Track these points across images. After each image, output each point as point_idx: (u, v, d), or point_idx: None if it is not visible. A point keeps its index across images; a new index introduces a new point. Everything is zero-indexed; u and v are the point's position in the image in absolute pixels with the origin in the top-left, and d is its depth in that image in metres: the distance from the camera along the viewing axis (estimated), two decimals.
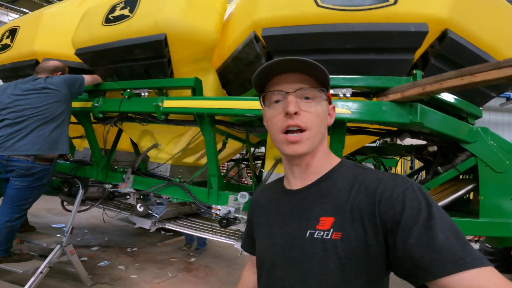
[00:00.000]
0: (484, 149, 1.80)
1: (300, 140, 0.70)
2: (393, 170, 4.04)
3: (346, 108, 1.63)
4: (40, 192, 2.25)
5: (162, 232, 5.14)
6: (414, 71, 1.62)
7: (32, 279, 2.15)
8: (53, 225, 4.43)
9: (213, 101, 2.05)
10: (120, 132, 3.10)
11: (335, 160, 0.78)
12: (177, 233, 5.00)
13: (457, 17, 1.51)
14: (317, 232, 0.67)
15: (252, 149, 3.63)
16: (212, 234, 2.50)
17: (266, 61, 1.93)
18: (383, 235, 0.61)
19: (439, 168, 2.02)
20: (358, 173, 0.71)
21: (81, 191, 2.62)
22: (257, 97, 1.88)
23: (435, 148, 2.10)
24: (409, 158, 3.50)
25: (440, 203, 1.97)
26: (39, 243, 2.43)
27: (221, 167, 4.24)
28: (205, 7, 2.18)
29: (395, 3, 1.51)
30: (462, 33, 1.56)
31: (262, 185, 0.96)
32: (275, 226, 0.77)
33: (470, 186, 1.99)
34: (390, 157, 3.33)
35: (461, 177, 2.22)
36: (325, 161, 0.76)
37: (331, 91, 1.75)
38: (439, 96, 1.75)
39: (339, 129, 1.77)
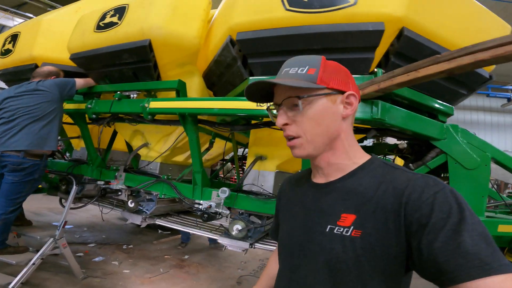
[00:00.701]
0: (454, 146, 1.83)
1: (295, 145, 0.73)
2: None
3: None
4: (32, 187, 2.40)
5: (159, 231, 5.28)
6: (376, 70, 1.70)
7: (24, 270, 2.30)
8: (54, 223, 4.59)
9: (194, 101, 2.18)
10: (115, 132, 3.26)
11: (364, 157, 0.76)
12: (174, 232, 5.14)
13: (413, 15, 1.58)
14: (337, 228, 0.67)
15: (242, 149, 3.74)
16: (197, 229, 2.60)
17: (242, 63, 2.06)
18: (405, 237, 0.60)
19: (410, 165, 2.09)
20: (387, 172, 0.70)
21: (74, 187, 2.77)
22: (237, 98, 2.02)
23: (404, 145, 2.16)
24: (394, 156, 3.52)
25: None
26: (33, 236, 2.57)
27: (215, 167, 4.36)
28: (188, 14, 2.33)
29: (355, 3, 1.60)
30: (418, 30, 1.63)
31: (291, 175, 0.99)
32: (297, 217, 0.79)
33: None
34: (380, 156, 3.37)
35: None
36: (348, 157, 0.75)
37: None
38: (404, 94, 1.81)
39: None
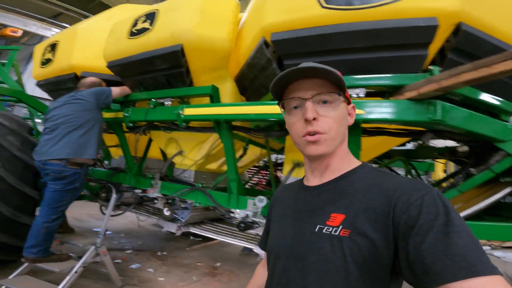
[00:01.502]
0: None
1: (319, 140, 0.73)
2: (432, 176, 3.78)
3: (359, 108, 1.61)
4: (74, 195, 2.48)
5: (191, 237, 5.32)
6: (431, 67, 1.54)
7: (67, 278, 2.35)
8: (94, 229, 4.80)
9: (229, 107, 2.13)
10: (150, 140, 3.30)
11: (356, 163, 0.79)
12: (205, 239, 5.15)
13: (470, 9, 1.43)
14: (326, 227, 0.68)
15: (275, 155, 3.64)
16: (232, 238, 2.54)
17: (277, 65, 1.97)
18: (393, 238, 0.61)
19: (472, 169, 1.88)
20: (377, 176, 0.72)
21: (114, 196, 2.83)
22: (272, 102, 1.94)
23: (465, 148, 1.95)
24: (444, 161, 3.25)
25: (475, 208, 1.82)
26: (76, 244, 2.65)
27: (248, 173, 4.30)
28: (217, 17, 2.29)
29: None
30: (477, 25, 1.47)
31: (283, 183, 0.96)
32: (288, 220, 0.80)
33: (509, 189, 1.82)
34: (421, 160, 3.13)
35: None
36: (344, 162, 0.78)
37: None
38: (464, 92, 1.63)
39: (354, 130, 1.73)
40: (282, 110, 0.83)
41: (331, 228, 0.67)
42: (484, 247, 3.00)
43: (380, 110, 1.59)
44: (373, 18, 1.55)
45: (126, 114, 2.67)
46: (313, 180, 0.81)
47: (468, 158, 2.20)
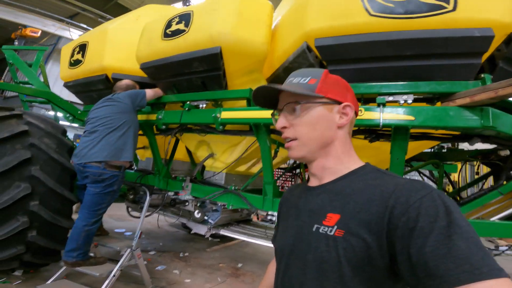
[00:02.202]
0: None
1: (290, 146, 0.80)
2: (453, 177, 3.80)
3: (409, 114, 1.65)
4: (112, 198, 2.54)
5: (210, 238, 5.37)
6: (482, 75, 1.58)
7: (106, 282, 2.40)
8: (116, 230, 4.87)
9: (269, 111, 2.16)
10: (177, 143, 3.35)
11: (358, 163, 0.80)
12: (224, 240, 5.20)
13: None
14: (322, 227, 0.70)
15: None
16: (261, 239, 2.59)
17: None
18: (387, 240, 0.61)
19: None
20: (377, 177, 0.73)
21: (148, 198, 2.88)
22: None
23: (507, 152, 1.99)
24: (477, 163, 3.28)
25: None
26: (112, 247, 2.71)
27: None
28: (254, 20, 2.32)
29: (454, 9, 1.53)
30: None
31: (292, 185, 1.05)
32: (291, 219, 0.84)
33: None
34: (450, 162, 3.17)
35: None
36: (341, 163, 0.79)
37: (390, 98, 1.77)
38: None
39: (401, 135, 1.78)
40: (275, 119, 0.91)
41: (326, 228, 0.69)
42: (502, 248, 3.02)
43: (432, 116, 1.63)
44: (425, 27, 1.59)
45: (160, 117, 2.72)
46: (314, 181, 0.84)
47: (504, 161, 2.25)
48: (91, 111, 2.61)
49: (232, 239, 5.53)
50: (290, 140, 0.80)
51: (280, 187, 4.26)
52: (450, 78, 1.66)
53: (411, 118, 1.66)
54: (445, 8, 1.54)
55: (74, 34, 11.45)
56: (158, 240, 4.94)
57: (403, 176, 0.79)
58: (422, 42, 1.62)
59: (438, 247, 0.53)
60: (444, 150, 3.22)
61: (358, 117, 1.82)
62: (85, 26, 11.53)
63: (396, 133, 1.79)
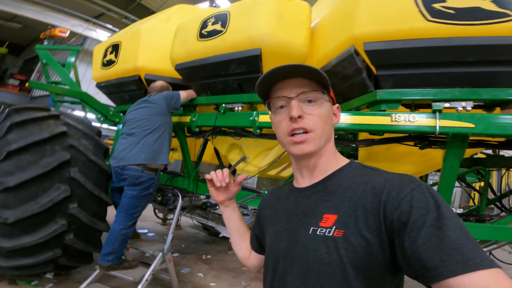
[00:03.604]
0: None
1: (306, 140, 0.75)
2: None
3: (469, 121, 1.61)
4: (148, 201, 2.55)
5: (230, 241, 5.38)
6: None
7: (139, 286, 2.41)
8: (138, 231, 4.92)
9: None
10: (205, 145, 3.34)
11: (343, 161, 0.81)
12: None
13: None
14: (319, 229, 0.69)
15: None
16: None
17: (367, 75, 1.96)
18: (387, 235, 0.62)
19: None
20: (365, 173, 0.73)
21: (180, 201, 2.88)
22: (367, 112, 1.94)
23: None
24: None
25: None
26: (145, 250, 2.72)
27: None
28: (294, 21, 2.28)
29: None
30: None
31: (273, 187, 1.01)
32: (281, 223, 0.82)
33: None
34: (492, 169, 3.08)
35: None
36: (331, 161, 0.80)
37: (447, 104, 1.71)
38: None
39: (458, 142, 1.74)
40: (268, 110, 0.85)
41: (324, 229, 0.68)
42: None
43: (493, 124, 1.60)
44: (488, 34, 1.56)
45: (194, 119, 2.71)
46: (302, 182, 0.82)
47: None
48: (128, 112, 2.63)
49: None
50: (303, 133, 0.75)
51: None
52: (508, 85, 1.61)
53: (471, 125, 1.62)
54: (510, 16, 1.51)
55: (100, 35, 11.73)
56: (181, 241, 4.97)
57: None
58: (485, 48, 1.59)
59: (430, 238, 0.55)
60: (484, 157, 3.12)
61: (410, 124, 1.79)
62: (110, 26, 11.77)
63: (453, 141, 1.75)
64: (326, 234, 0.68)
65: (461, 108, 1.67)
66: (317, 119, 0.75)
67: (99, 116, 3.44)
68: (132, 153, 2.41)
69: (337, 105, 0.85)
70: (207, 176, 1.01)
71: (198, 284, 3.42)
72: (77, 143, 2.54)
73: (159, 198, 3.34)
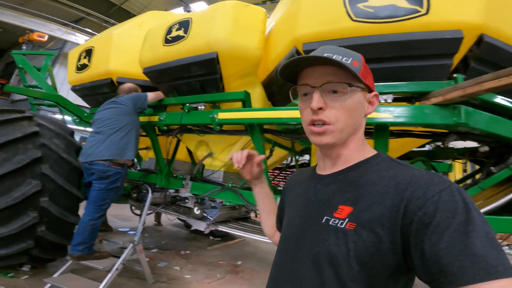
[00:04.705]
0: None
1: (324, 131, 0.72)
2: (451, 176, 3.90)
3: (388, 112, 1.80)
4: (115, 194, 2.72)
5: (211, 237, 5.57)
6: (455, 75, 1.73)
7: (109, 275, 2.55)
8: (120, 229, 5.05)
9: (263, 111, 2.34)
10: (178, 143, 3.53)
11: (370, 152, 0.77)
12: (224, 239, 5.37)
13: (491, 21, 1.62)
14: (332, 219, 0.68)
15: (294, 157, 3.84)
16: (260, 236, 2.74)
17: None
18: (402, 234, 0.59)
19: (492, 168, 2.05)
20: (391, 167, 0.70)
21: (150, 195, 3.06)
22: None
23: (486, 148, 2.12)
24: (462, 161, 3.40)
25: (495, 204, 1.98)
26: (116, 241, 2.88)
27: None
28: (249, 26, 2.50)
29: (427, 12, 1.66)
30: (498, 36, 1.66)
31: (298, 169, 1.03)
32: (297, 208, 0.81)
33: None
34: (441, 161, 3.30)
35: None
36: (357, 152, 0.76)
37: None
38: (484, 97, 1.80)
39: (382, 132, 1.92)
40: (291, 96, 0.82)
41: (337, 220, 0.67)
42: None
43: (409, 114, 1.78)
44: (402, 31, 1.73)
45: (161, 118, 2.90)
46: (324, 169, 0.80)
47: (488, 157, 2.37)
48: (97, 113, 2.81)
49: (233, 238, 5.69)
50: (322, 124, 0.72)
51: (277, 187, 4.41)
52: (427, 79, 1.81)
53: (390, 116, 1.80)
54: (419, 12, 1.68)
55: (80, 39, 11.82)
56: (161, 238, 5.11)
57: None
58: (400, 44, 1.76)
59: (454, 243, 0.52)
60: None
61: None
62: (90, 30, 11.86)
63: (377, 131, 1.94)
64: (338, 225, 0.66)
65: (383, 101, 1.88)
66: (339, 112, 0.71)
67: (75, 117, 3.59)
68: (99, 149, 2.59)
69: (374, 93, 0.78)
70: (229, 157, 1.04)
71: (174, 276, 3.57)
72: (49, 142, 2.71)
73: (135, 195, 3.51)
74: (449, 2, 1.66)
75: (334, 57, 0.70)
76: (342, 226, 0.66)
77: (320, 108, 0.71)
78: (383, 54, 1.85)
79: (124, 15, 11.86)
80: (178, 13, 6.54)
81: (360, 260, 0.62)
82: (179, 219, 4.14)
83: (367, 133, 2.13)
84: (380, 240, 0.61)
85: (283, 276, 0.76)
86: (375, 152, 0.78)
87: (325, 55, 0.71)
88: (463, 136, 1.94)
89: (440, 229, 0.54)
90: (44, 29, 11.18)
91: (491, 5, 1.62)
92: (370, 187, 0.67)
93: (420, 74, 1.83)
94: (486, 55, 1.70)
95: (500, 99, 1.86)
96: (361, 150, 0.77)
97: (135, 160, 2.98)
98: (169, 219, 3.51)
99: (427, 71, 1.79)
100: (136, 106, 2.82)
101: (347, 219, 0.66)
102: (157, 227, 5.88)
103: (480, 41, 1.67)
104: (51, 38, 11.72)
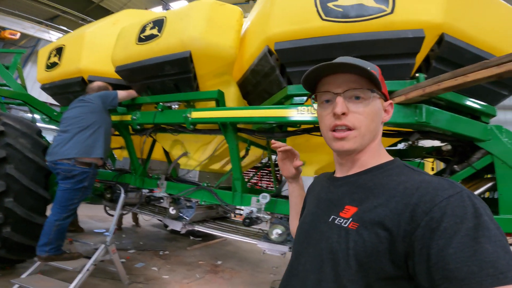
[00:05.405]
0: (499, 147, 1.85)
1: (347, 137, 0.74)
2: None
3: None
4: (83, 194, 2.63)
5: (191, 237, 5.51)
6: (417, 74, 1.76)
7: (80, 276, 2.47)
8: (95, 230, 4.91)
9: (235, 110, 2.32)
10: (154, 142, 3.46)
11: (386, 158, 0.79)
12: (205, 239, 5.33)
13: (452, 21, 1.65)
14: (338, 218, 0.71)
15: (274, 156, 3.84)
16: (236, 235, 2.72)
17: (280, 72, 2.17)
18: (405, 238, 0.59)
19: (455, 166, 2.11)
20: (404, 173, 0.71)
21: (123, 195, 2.98)
22: (274, 106, 2.14)
23: (449, 147, 2.19)
24: (431, 160, 3.49)
25: None
26: (87, 242, 2.79)
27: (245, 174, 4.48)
28: (223, 25, 2.48)
29: (392, 12, 1.69)
30: (459, 35, 1.69)
31: (322, 173, 1.05)
32: (310, 207, 0.86)
33: (490, 184, 2.05)
34: (411, 159, 3.39)
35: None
36: (374, 157, 0.78)
37: None
38: (447, 97, 1.86)
39: None
40: (314, 102, 0.84)
41: (342, 220, 0.69)
42: None
43: None
44: (369, 30, 1.75)
45: (134, 117, 2.83)
46: (340, 173, 0.84)
47: (453, 156, 2.45)
48: (65, 112, 2.72)
49: (214, 237, 5.65)
50: (346, 130, 0.74)
51: (255, 186, 4.41)
52: (391, 78, 1.83)
53: None
54: (385, 11, 1.70)
55: (54, 37, 11.45)
56: (139, 239, 5.02)
57: None
58: (366, 44, 1.77)
59: (463, 249, 0.52)
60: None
61: (311, 115, 2.00)
62: (65, 28, 11.51)
63: None
64: (342, 224, 0.68)
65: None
66: (362, 117, 0.74)
67: (44, 116, 3.47)
68: (65, 148, 2.50)
69: (390, 101, 0.82)
70: (273, 142, 1.09)
71: (151, 276, 3.51)
72: (14, 142, 2.61)
73: (108, 195, 3.41)
74: (412, 2, 1.68)
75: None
76: (346, 225, 0.68)
77: (344, 113, 0.73)
78: (350, 53, 1.84)
79: (102, 13, 11.53)
80: (157, 12, 6.45)
81: (358, 260, 0.63)
82: (159, 219, 4.07)
83: None
84: (380, 241, 0.61)
85: (293, 270, 0.78)
86: (391, 158, 0.79)
87: (343, 61, 0.74)
88: (426, 135, 1.99)
89: (448, 234, 0.54)
90: (16, 27, 10.77)
91: (452, 4, 1.65)
92: (378, 190, 0.69)
93: (385, 74, 1.84)
94: (447, 54, 1.73)
95: (466, 99, 1.92)
96: (376, 155, 0.79)
97: (109, 159, 2.89)
98: (144, 219, 3.43)
99: (391, 70, 1.81)
100: (105, 104, 2.74)
101: (350, 219, 0.68)
102: (135, 228, 5.76)
103: (441, 40, 1.70)
104: (24, 36, 11.31)
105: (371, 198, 0.68)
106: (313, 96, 0.84)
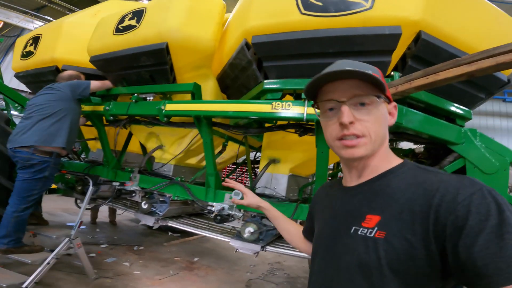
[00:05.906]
0: (472, 151, 1.81)
1: (358, 144, 0.71)
2: None
3: None
4: (44, 185, 2.48)
5: (170, 233, 5.35)
6: (393, 73, 1.71)
7: (39, 269, 2.32)
8: (68, 223, 4.70)
9: (209, 104, 2.22)
10: (130, 134, 3.33)
11: (396, 161, 0.76)
12: (184, 234, 5.19)
13: (430, 18, 1.59)
14: (361, 229, 0.68)
15: (254, 153, 3.76)
16: (209, 232, 2.62)
17: (257, 66, 2.08)
18: (436, 240, 0.58)
19: None
20: (419, 174, 0.69)
21: (91, 188, 2.84)
22: (250, 101, 2.06)
23: (421, 149, 2.15)
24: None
25: None
26: (49, 235, 2.63)
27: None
28: (203, 17, 2.39)
29: (371, 7, 1.62)
30: (436, 34, 1.63)
31: (325, 183, 1.03)
32: (325, 220, 0.83)
33: None
34: None
35: None
36: (384, 161, 0.76)
37: None
38: (422, 97, 1.81)
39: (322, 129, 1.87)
40: (317, 110, 0.81)
41: (366, 230, 0.67)
42: None
43: None
44: (346, 25, 1.68)
45: (107, 108, 2.70)
46: (350, 181, 0.80)
47: (427, 159, 2.42)
48: (31, 99, 2.57)
49: (193, 234, 5.51)
50: (353, 138, 0.71)
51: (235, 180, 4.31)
52: None
53: None
54: (364, 6, 1.63)
55: (38, 27, 11.09)
56: (114, 234, 4.84)
57: None
58: (343, 40, 1.71)
59: (489, 246, 0.52)
60: None
61: (285, 111, 1.93)
62: (50, 18, 11.15)
63: (318, 127, 1.88)
64: (367, 234, 0.66)
65: None
66: (369, 124, 0.71)
67: (16, 105, 3.30)
68: (25, 135, 2.35)
69: (393, 103, 0.79)
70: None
71: (121, 272, 3.35)
72: None
73: (79, 188, 3.25)
74: None
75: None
76: (371, 235, 0.66)
77: (351, 123, 0.70)
78: (327, 49, 1.79)
79: (91, 3, 11.24)
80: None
81: (393, 267, 0.62)
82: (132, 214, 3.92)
83: (312, 129, 2.09)
84: (413, 246, 0.60)
85: (318, 285, 0.77)
86: (401, 160, 0.77)
87: (346, 69, 0.70)
88: (399, 136, 1.94)
89: (473, 233, 0.54)
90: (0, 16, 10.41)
91: (432, 1, 1.59)
92: (397, 196, 0.67)
93: None
94: (423, 53, 1.67)
95: (438, 101, 1.87)
96: (386, 159, 0.76)
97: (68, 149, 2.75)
98: (118, 214, 3.28)
99: None
100: (75, 93, 2.60)
101: (376, 228, 0.66)
102: (111, 222, 5.56)
103: (418, 38, 1.64)
104: (7, 25, 10.93)
105: (392, 205, 0.66)
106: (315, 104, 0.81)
